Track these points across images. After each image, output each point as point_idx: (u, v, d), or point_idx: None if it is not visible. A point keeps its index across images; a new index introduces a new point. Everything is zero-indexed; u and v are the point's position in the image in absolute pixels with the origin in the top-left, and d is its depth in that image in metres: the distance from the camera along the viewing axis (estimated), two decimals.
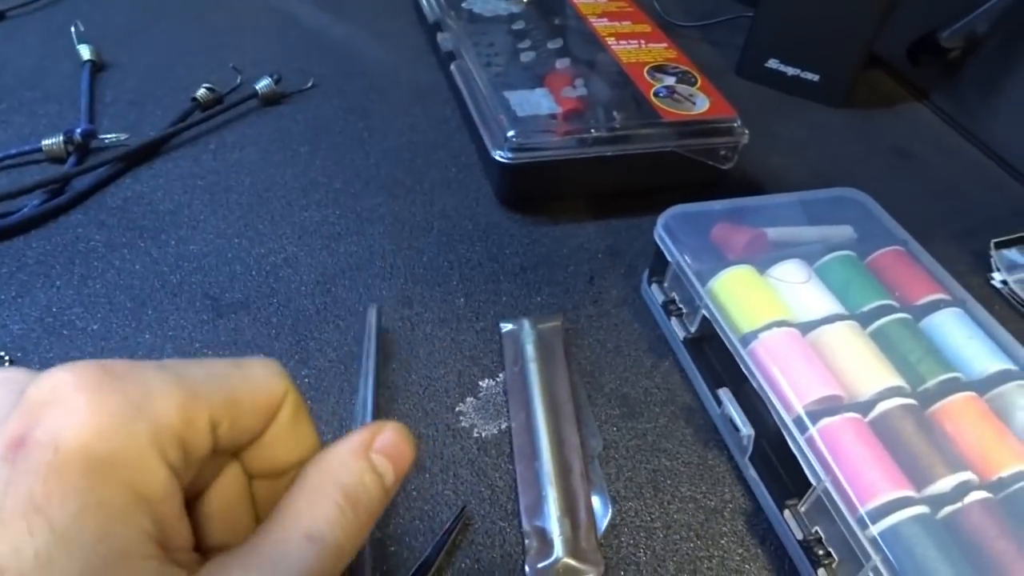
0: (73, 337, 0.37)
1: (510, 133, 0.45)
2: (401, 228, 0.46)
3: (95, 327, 0.38)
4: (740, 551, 0.32)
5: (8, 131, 0.49)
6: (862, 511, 0.28)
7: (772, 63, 0.63)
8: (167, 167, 0.48)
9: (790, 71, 0.63)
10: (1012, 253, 0.48)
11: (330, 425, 0.35)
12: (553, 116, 0.47)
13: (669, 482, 0.35)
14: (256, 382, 0.19)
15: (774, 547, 0.33)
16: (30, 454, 0.15)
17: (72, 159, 0.46)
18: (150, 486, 0.16)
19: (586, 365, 0.39)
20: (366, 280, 0.42)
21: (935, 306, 0.36)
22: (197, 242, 0.43)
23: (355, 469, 0.19)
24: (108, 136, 0.48)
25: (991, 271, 0.48)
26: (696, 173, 0.49)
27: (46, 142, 0.46)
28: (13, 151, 0.45)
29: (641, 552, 0.32)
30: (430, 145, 0.53)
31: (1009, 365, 0.34)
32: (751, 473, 0.34)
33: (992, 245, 0.48)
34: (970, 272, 0.48)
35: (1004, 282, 0.47)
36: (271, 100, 0.54)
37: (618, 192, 0.50)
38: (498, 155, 0.45)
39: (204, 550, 0.19)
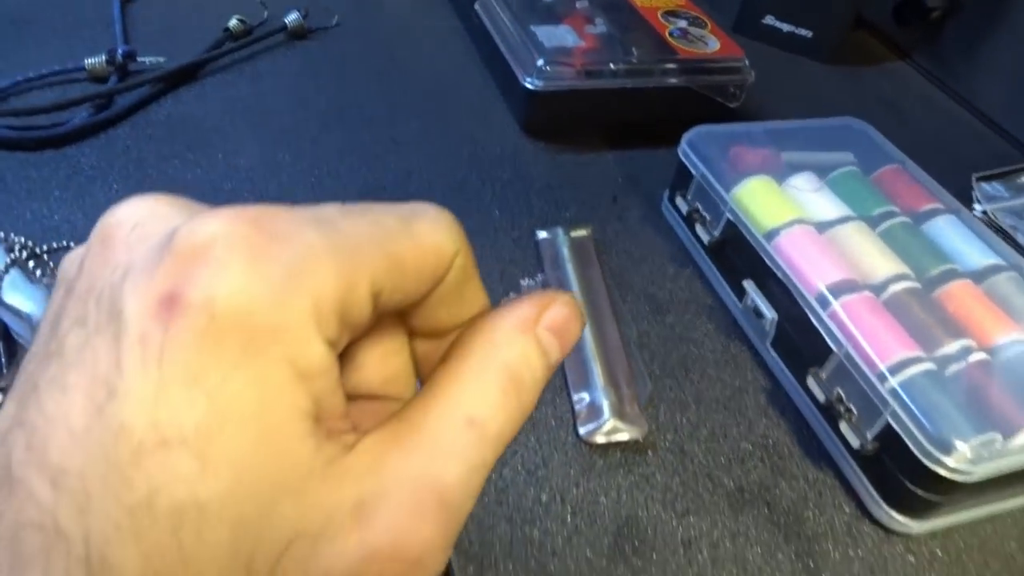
0: None
1: (539, 62, 0.48)
2: (434, 151, 0.48)
3: None
4: (764, 420, 0.36)
5: (46, 52, 0.50)
6: (882, 367, 0.31)
7: (768, 19, 0.67)
8: (205, 90, 0.50)
9: (785, 27, 0.67)
10: (992, 186, 0.53)
11: None
12: (578, 50, 0.50)
13: (697, 365, 0.38)
14: (425, 243, 0.17)
15: (793, 417, 0.36)
16: (186, 316, 0.13)
17: (114, 79, 0.47)
18: (308, 361, 0.15)
19: (615, 270, 0.42)
20: (406, 193, 0.45)
21: (933, 214, 0.40)
22: (243, 156, 0.45)
23: (521, 347, 0.18)
24: (146, 59, 0.49)
25: (973, 203, 0.52)
26: (705, 110, 0.53)
27: (89, 61, 0.47)
28: (57, 68, 0.47)
29: (678, 419, 0.35)
30: (453, 81, 0.55)
31: (999, 261, 0.38)
32: (772, 355, 0.38)
33: (974, 179, 0.53)
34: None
35: (985, 212, 0.51)
36: (298, 35, 0.56)
37: (634, 125, 0.53)
38: (528, 82, 0.48)
39: (357, 398, 0.19)
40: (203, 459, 0.13)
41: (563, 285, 0.40)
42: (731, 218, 0.39)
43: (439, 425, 0.16)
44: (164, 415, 0.13)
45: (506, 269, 0.41)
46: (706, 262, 0.42)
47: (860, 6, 0.65)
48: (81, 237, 0.38)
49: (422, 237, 0.17)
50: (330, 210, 0.16)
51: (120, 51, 0.48)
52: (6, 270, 0.33)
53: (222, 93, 0.50)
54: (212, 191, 0.42)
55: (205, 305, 0.13)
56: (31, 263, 0.34)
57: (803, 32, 0.67)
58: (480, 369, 0.17)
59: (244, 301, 0.14)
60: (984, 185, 0.52)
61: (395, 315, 0.18)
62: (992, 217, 0.51)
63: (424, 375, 0.19)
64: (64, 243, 0.37)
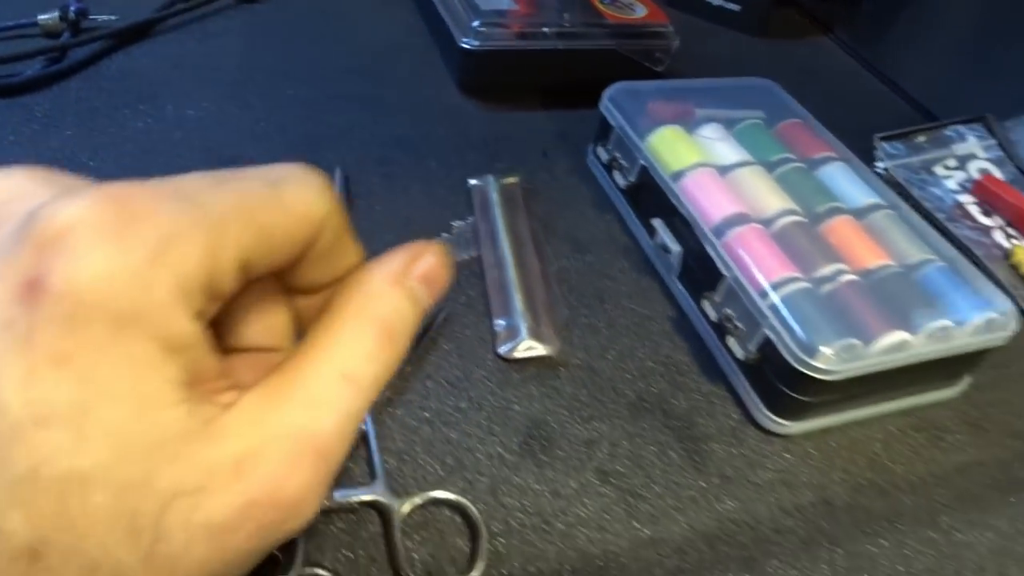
0: (84, 176, 0.41)
1: (475, 23, 0.51)
2: (376, 107, 0.51)
3: (104, 171, 0.42)
4: (668, 343, 0.40)
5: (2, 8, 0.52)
6: (764, 285, 0.35)
7: None
8: (156, 47, 0.52)
9: (715, 1, 0.71)
10: (892, 146, 0.57)
11: None
12: (512, 13, 0.53)
13: (611, 297, 0.42)
14: (293, 209, 0.17)
15: (693, 340, 0.40)
16: (50, 301, 0.14)
17: (67, 35, 0.50)
18: (175, 335, 0.15)
19: (541, 215, 0.46)
20: (349, 144, 0.48)
21: (826, 161, 0.45)
22: (192, 108, 0.48)
23: (393, 298, 0.19)
24: (99, 17, 0.51)
25: (875, 162, 0.57)
26: (633, 73, 0.56)
27: (42, 17, 0.49)
28: (11, 23, 0.49)
29: (589, 341, 0.39)
30: (397, 43, 0.58)
31: (881, 201, 0.42)
32: (678, 287, 0.42)
33: (876, 139, 0.57)
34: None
35: (886, 169, 0.56)
36: None
37: (565, 86, 0.56)
38: (464, 43, 0.51)
39: (239, 350, 0.20)
40: (80, 433, 0.14)
41: (491, 227, 0.43)
42: (644, 164, 0.43)
43: (315, 380, 0.17)
44: (38, 395, 0.14)
45: (440, 213, 0.44)
46: (624, 206, 0.46)
47: None
48: None
49: (290, 203, 0.17)
50: (194, 183, 0.16)
51: (72, 8, 0.50)
52: None
53: (172, 51, 0.52)
54: (162, 140, 0.45)
55: (69, 290, 0.14)
56: None
57: (731, 6, 0.71)
58: (354, 324, 0.18)
59: (108, 285, 0.14)
60: (885, 145, 0.57)
61: (272, 274, 0.18)
62: (891, 174, 0.55)
63: (304, 327, 0.20)
64: None
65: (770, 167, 0.43)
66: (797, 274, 0.36)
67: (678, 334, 0.41)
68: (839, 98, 0.65)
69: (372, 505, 0.30)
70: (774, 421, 0.36)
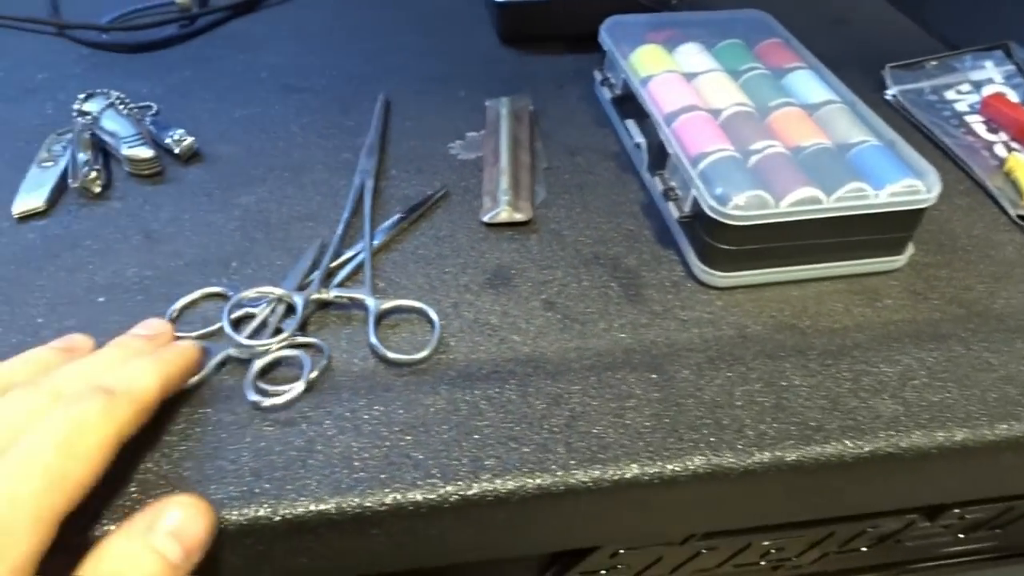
0: (192, 99, 0.55)
1: None
2: (424, 53, 0.62)
3: (206, 96, 0.56)
4: (633, 221, 0.47)
5: None
6: (695, 154, 0.42)
7: None
8: (264, 16, 0.67)
9: None
10: (902, 73, 0.60)
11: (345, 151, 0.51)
12: None
13: (590, 188, 0.49)
14: None
15: (656, 219, 0.47)
16: None
17: (196, 9, 0.65)
18: None
19: (546, 131, 0.54)
20: (393, 80, 0.59)
21: (793, 69, 0.50)
22: (279, 57, 0.61)
23: (131, 556, 0.21)
24: None
25: (885, 90, 0.60)
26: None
27: None
28: (155, 3, 0.65)
29: (562, 216, 0.47)
30: (451, 5, 0.69)
31: (835, 96, 0.47)
32: (647, 177, 0.48)
33: (887, 67, 0.60)
34: (868, 90, 0.60)
35: (894, 95, 0.59)
36: None
37: (587, 34, 0.64)
38: None
39: None
40: None
41: (496, 131, 0.52)
42: (624, 77, 0.50)
43: None
44: None
45: (456, 126, 0.54)
46: (615, 118, 0.53)
47: None
48: (157, 100, 0.54)
49: None
50: None
51: None
52: (104, 109, 0.50)
53: (275, 17, 0.66)
54: (251, 78, 0.58)
55: None
56: (120, 106, 0.50)
57: None
58: None
59: None
60: (895, 72, 0.60)
61: None
62: (899, 99, 0.58)
63: None
64: (146, 103, 0.54)
65: (737, 75, 0.49)
66: (727, 147, 0.42)
67: (644, 215, 0.47)
68: (859, 35, 0.68)
69: (359, 303, 0.40)
70: (706, 272, 0.41)
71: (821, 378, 0.37)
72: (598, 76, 0.55)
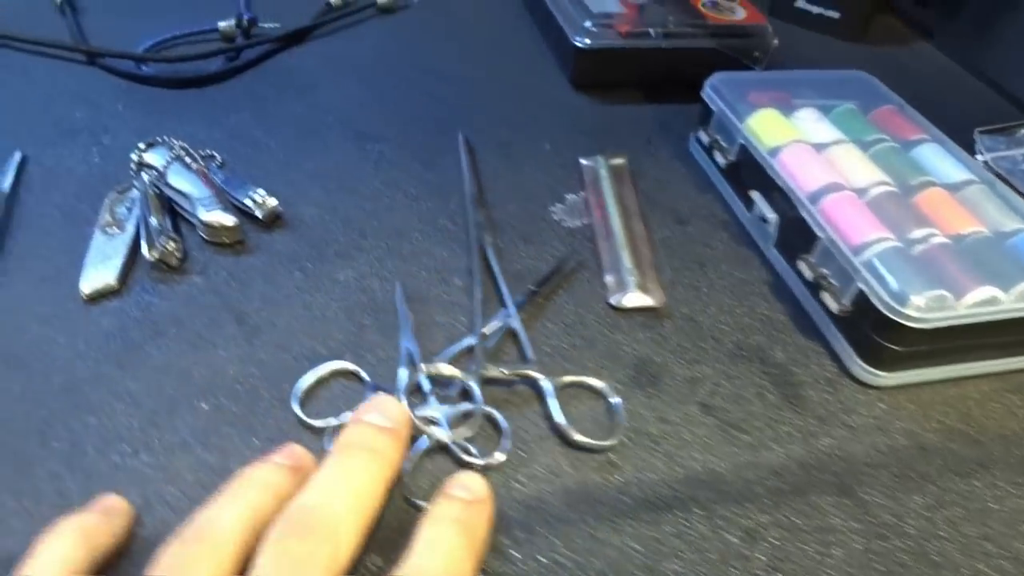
0: (257, 147, 0.49)
1: (587, 23, 0.56)
2: (495, 96, 0.58)
3: (272, 144, 0.50)
4: (765, 304, 0.43)
5: (181, 15, 0.61)
6: (858, 242, 0.39)
7: (800, 3, 0.74)
8: (313, 49, 0.60)
9: (815, 10, 0.74)
10: (993, 139, 0.59)
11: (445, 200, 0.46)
12: (620, 15, 0.58)
13: (711, 263, 0.46)
14: None
15: (790, 301, 0.43)
16: None
17: (240, 39, 0.58)
18: None
19: (646, 193, 0.50)
20: (470, 127, 0.54)
21: (920, 142, 0.47)
22: (340, 97, 0.55)
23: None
24: (265, 24, 0.60)
25: (975, 154, 0.58)
26: (731, 69, 0.61)
27: (222, 24, 0.58)
28: (195, 29, 0.58)
29: (691, 298, 0.43)
30: (510, 42, 0.65)
31: (973, 176, 0.44)
32: (775, 254, 0.45)
33: (977, 132, 0.59)
34: None
35: (986, 162, 0.57)
36: (386, 9, 0.66)
37: (666, 82, 0.61)
38: (576, 41, 0.56)
39: None
40: None
41: (601, 199, 0.48)
42: (743, 142, 0.47)
43: None
44: None
45: (553, 187, 0.50)
46: (723, 184, 0.50)
47: None
48: (217, 148, 0.48)
49: None
50: None
51: (246, 16, 0.58)
52: (169, 163, 0.43)
53: (325, 51, 0.60)
54: (317, 122, 0.52)
55: None
56: (187, 158, 0.44)
57: (831, 13, 0.74)
58: None
59: None
60: (985, 138, 0.58)
61: None
62: (992, 165, 0.57)
63: None
64: (208, 151, 0.47)
65: (864, 146, 0.46)
66: (889, 235, 0.39)
67: (774, 296, 0.44)
68: (939, 97, 0.66)
69: (527, 379, 0.36)
70: (868, 371, 0.38)
71: (1016, 500, 0.34)
72: (703, 137, 0.52)
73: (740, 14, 0.60)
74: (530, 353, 0.37)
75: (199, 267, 0.40)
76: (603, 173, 0.50)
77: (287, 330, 0.38)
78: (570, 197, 0.49)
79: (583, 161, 0.51)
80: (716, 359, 0.40)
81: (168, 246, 0.38)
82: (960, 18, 0.72)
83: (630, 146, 0.55)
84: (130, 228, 0.40)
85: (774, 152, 0.45)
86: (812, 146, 0.45)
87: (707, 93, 0.51)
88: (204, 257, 0.41)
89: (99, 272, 0.37)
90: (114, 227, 0.40)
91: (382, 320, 0.39)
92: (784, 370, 0.40)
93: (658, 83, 0.61)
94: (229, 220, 0.40)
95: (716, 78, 0.51)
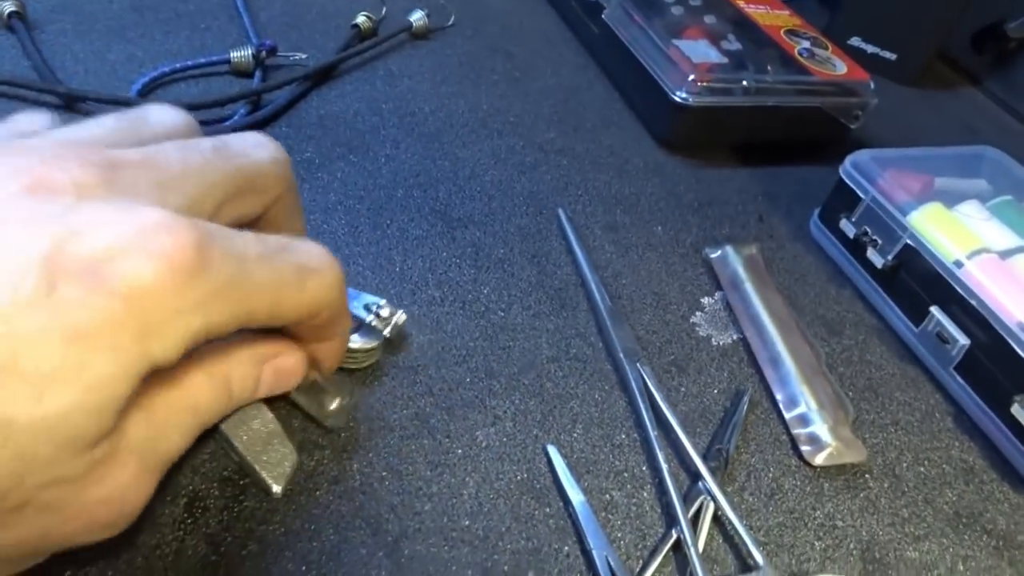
0: (317, 233, 0.38)
1: (691, 77, 0.48)
2: (580, 161, 0.48)
3: (336, 229, 0.38)
4: (956, 444, 0.37)
5: (176, 40, 0.47)
6: None
7: (854, 40, 0.69)
8: (347, 88, 0.48)
9: (870, 49, 0.69)
10: None
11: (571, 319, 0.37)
12: (719, 66, 0.50)
13: (883, 389, 0.39)
14: (308, 299, 0.21)
15: (982, 440, 0.37)
16: (85, 289, 0.16)
17: (257, 74, 0.45)
18: (157, 362, 0.18)
19: (780, 289, 0.43)
20: (569, 204, 0.44)
21: None
22: (405, 161, 0.44)
23: (244, 370, 0.23)
24: (291, 54, 0.47)
25: None
26: (826, 129, 0.54)
27: (235, 54, 0.45)
28: (202, 60, 0.44)
29: (881, 442, 0.36)
30: (576, 88, 0.55)
31: None
32: (956, 380, 0.39)
33: None
34: None
35: None
36: (420, 35, 0.55)
37: (759, 143, 0.53)
38: (677, 96, 0.48)
39: None
40: (37, 393, 0.15)
41: (745, 304, 0.40)
42: (911, 243, 0.40)
43: (169, 407, 0.20)
44: (25, 349, 0.15)
45: (684, 287, 0.41)
46: (870, 284, 0.43)
47: (945, 33, 0.67)
48: None
49: (309, 295, 0.21)
50: (248, 244, 0.19)
51: (266, 46, 0.46)
52: None
53: (365, 93, 0.48)
54: (386, 196, 0.41)
55: (124, 283, 0.16)
56: None
57: (887, 55, 0.68)
58: (210, 373, 0.21)
59: (148, 297, 0.17)
60: None
61: None
62: None
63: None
64: None
65: None
66: None
67: (962, 432, 0.38)
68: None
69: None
70: None
71: None
72: (847, 228, 0.44)
73: (841, 67, 0.53)
74: (758, 556, 0.29)
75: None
76: (739, 270, 0.42)
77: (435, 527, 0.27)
78: (707, 302, 0.41)
79: (711, 254, 0.43)
80: (940, 531, 0.33)
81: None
82: (1015, 67, 0.69)
83: (740, 223, 0.47)
84: None
85: (959, 263, 0.39)
86: (997, 255, 0.39)
87: (849, 173, 0.44)
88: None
89: None
90: None
91: (553, 507, 0.29)
92: (1009, 540, 0.34)
93: (753, 144, 0.53)
94: (368, 343, 0.30)
95: (859, 156, 0.44)
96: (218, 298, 0.18)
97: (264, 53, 0.46)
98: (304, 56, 0.48)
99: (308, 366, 0.25)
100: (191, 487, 0.27)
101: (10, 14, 0.43)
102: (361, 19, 0.52)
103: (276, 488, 0.25)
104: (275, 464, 0.25)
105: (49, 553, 0.20)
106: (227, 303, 0.18)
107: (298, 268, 0.20)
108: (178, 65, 0.44)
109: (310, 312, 0.21)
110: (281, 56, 0.47)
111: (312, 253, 0.21)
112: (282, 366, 0.24)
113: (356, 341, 0.30)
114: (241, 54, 0.45)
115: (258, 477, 0.25)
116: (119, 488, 0.19)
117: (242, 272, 0.19)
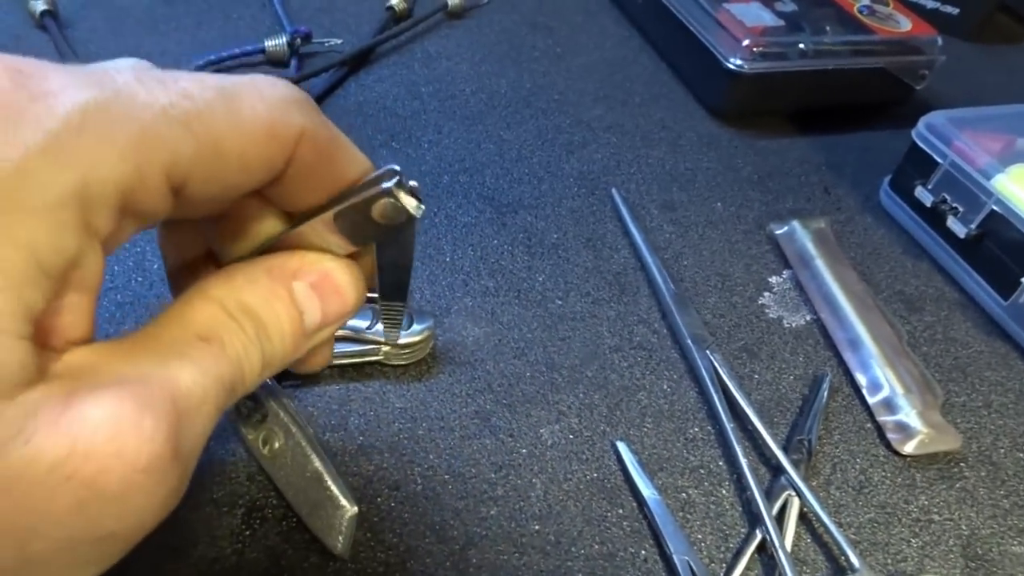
0: None
1: (746, 42, 0.45)
2: (631, 138, 0.46)
3: None
4: None
5: (211, 31, 0.46)
6: None
7: None
8: (384, 73, 0.46)
9: (930, 4, 0.65)
10: None
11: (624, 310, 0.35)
12: (774, 29, 0.47)
13: (971, 368, 0.36)
14: (249, 125, 0.15)
15: None
16: None
17: (293, 62, 0.44)
18: (53, 255, 0.13)
19: (853, 264, 0.40)
20: (622, 183, 0.42)
21: None
22: (449, 146, 0.42)
23: (263, 292, 0.17)
24: (324, 41, 0.45)
25: None
26: (890, 91, 0.51)
27: (270, 44, 0.43)
28: (237, 51, 0.43)
29: (975, 427, 0.33)
30: (621, 61, 0.52)
31: None
32: None
33: None
34: None
35: None
36: (457, 13, 0.53)
37: (818, 109, 0.50)
38: (731, 63, 0.45)
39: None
40: None
41: (817, 282, 0.38)
42: (997, 209, 0.37)
43: (173, 337, 0.15)
44: None
45: (750, 266, 0.39)
46: (951, 256, 0.40)
47: None
48: None
49: (246, 118, 0.15)
50: (130, 76, 0.14)
51: (300, 32, 0.44)
52: None
53: (403, 77, 0.46)
54: (432, 183, 0.39)
55: None
56: None
57: (949, 9, 0.64)
58: (213, 300, 0.16)
59: None
60: None
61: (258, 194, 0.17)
62: None
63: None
64: None
65: None
66: None
67: None
68: None
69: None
70: None
71: None
72: (923, 195, 0.41)
73: (905, 24, 0.50)
74: (853, 557, 0.27)
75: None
76: (808, 246, 0.39)
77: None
78: (775, 281, 0.38)
79: (776, 231, 0.41)
80: None
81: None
82: None
83: (804, 196, 0.44)
84: None
85: None
86: None
87: (924, 136, 0.41)
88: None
89: None
90: None
91: (626, 508, 0.28)
92: None
93: (812, 111, 0.50)
94: (417, 333, 0.28)
95: (934, 118, 0.41)
96: (89, 137, 0.13)
97: (299, 40, 0.44)
98: (339, 41, 0.46)
99: (362, 280, 0.19)
100: (248, 496, 0.26)
101: (42, 13, 0.42)
102: (396, 0, 0.50)
103: (339, 548, 0.24)
104: (329, 528, 0.24)
105: (91, 554, 0.15)
106: (111, 141, 0.13)
107: (218, 93, 0.15)
108: (212, 57, 0.42)
109: (270, 139, 0.15)
110: (316, 43, 0.45)
111: (240, 77, 0.16)
112: (321, 281, 0.18)
113: (404, 337, 0.29)
114: (276, 43, 0.43)
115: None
116: (106, 426, 0.13)
117: (121, 99, 0.14)
